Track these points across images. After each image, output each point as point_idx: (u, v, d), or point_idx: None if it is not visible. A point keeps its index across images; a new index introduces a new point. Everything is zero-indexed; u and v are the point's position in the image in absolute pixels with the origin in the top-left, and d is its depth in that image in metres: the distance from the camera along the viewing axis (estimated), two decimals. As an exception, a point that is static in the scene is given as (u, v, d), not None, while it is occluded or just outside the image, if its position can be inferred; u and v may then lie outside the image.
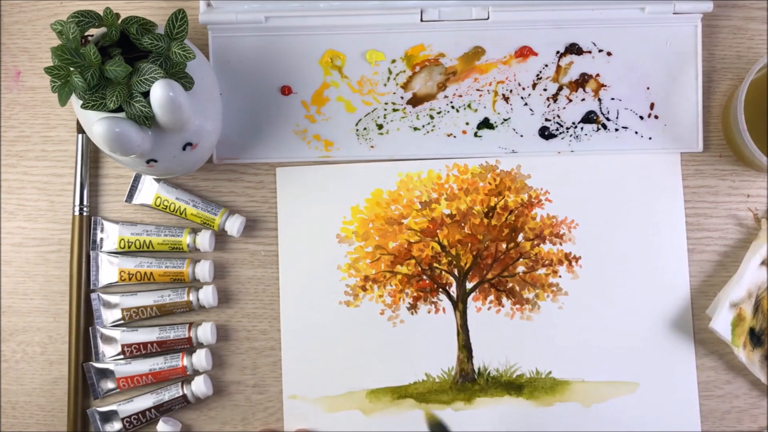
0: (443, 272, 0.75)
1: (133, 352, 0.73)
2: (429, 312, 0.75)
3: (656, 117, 0.75)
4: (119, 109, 0.61)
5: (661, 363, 0.74)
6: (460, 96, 0.75)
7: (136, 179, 0.76)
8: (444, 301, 0.75)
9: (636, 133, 0.75)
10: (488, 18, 0.74)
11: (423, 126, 0.75)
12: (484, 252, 0.75)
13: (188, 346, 0.74)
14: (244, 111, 0.75)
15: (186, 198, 0.75)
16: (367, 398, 0.74)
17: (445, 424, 0.73)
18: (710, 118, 0.76)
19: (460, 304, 0.75)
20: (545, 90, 0.75)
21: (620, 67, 0.75)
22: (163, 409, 0.73)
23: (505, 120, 0.75)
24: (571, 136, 0.75)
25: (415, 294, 0.75)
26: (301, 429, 0.74)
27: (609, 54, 0.75)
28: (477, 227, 0.75)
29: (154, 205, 0.75)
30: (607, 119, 0.75)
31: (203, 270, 0.74)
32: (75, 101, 0.63)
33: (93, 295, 0.75)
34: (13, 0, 0.78)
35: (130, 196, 0.76)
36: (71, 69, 0.61)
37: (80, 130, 0.76)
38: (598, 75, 0.75)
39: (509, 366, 0.74)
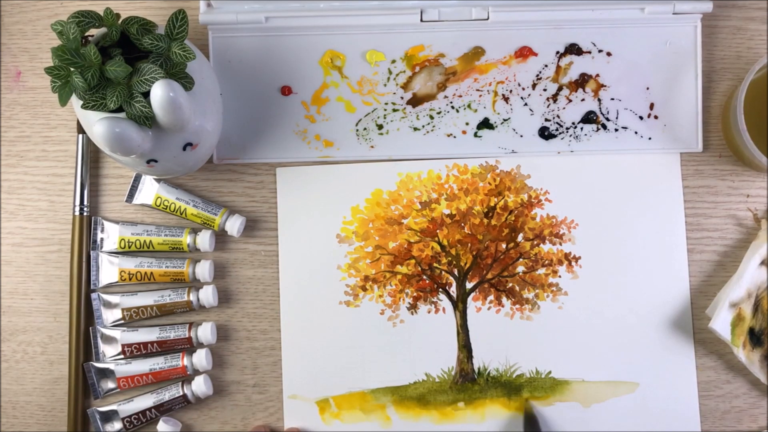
0: (443, 272, 0.75)
1: (134, 351, 0.73)
2: (429, 312, 0.75)
3: (656, 117, 0.75)
4: (119, 109, 0.61)
5: (661, 363, 0.74)
6: (460, 96, 0.75)
7: (137, 179, 0.76)
8: (444, 301, 0.75)
9: (636, 133, 0.75)
10: (488, 18, 0.74)
11: (423, 126, 0.76)
12: (484, 252, 0.75)
13: (188, 346, 0.74)
14: (244, 111, 0.75)
15: (186, 198, 0.75)
16: (367, 398, 0.74)
17: (537, 418, 0.73)
18: (710, 118, 0.76)
19: (460, 304, 0.75)
20: (545, 90, 0.75)
21: (620, 67, 0.75)
22: (163, 409, 0.73)
23: (504, 120, 0.75)
24: (570, 136, 0.75)
25: (415, 294, 0.75)
26: (293, 428, 0.74)
27: (609, 54, 0.75)
28: (477, 227, 0.75)
29: (154, 205, 0.75)
30: (607, 119, 0.75)
31: (203, 270, 0.74)
32: (75, 101, 0.63)
33: (93, 295, 0.75)
34: (14, 0, 0.78)
35: (131, 196, 0.76)
36: (71, 69, 0.61)
37: (80, 130, 0.76)
38: (597, 75, 0.75)
39: (509, 366, 0.74)
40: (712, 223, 0.75)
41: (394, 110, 0.76)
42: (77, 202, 0.75)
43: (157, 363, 0.73)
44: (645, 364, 0.74)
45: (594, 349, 0.74)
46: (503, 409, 0.74)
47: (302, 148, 0.76)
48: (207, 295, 0.74)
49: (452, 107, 0.75)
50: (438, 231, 0.75)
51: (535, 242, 0.75)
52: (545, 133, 0.75)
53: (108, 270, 0.75)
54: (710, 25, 0.76)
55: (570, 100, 0.75)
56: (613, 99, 0.75)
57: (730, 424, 0.73)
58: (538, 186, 0.75)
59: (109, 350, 0.74)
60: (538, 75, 0.75)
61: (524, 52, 0.75)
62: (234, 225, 0.74)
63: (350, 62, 0.75)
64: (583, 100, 0.75)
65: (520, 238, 0.75)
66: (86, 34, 0.63)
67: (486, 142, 0.75)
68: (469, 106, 0.75)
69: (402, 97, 0.76)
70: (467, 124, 0.76)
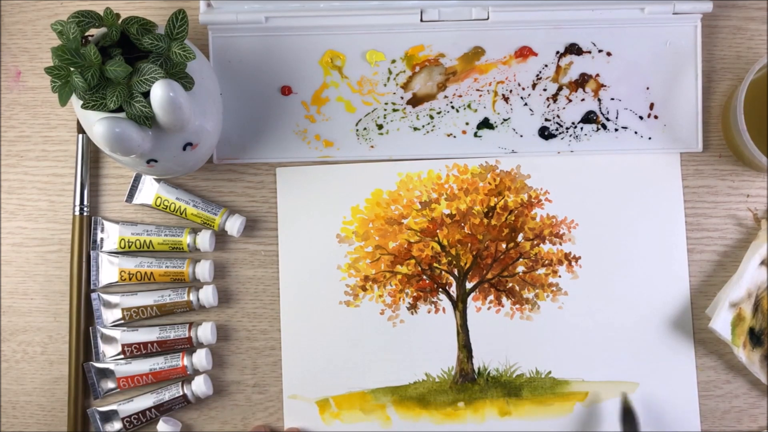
0: (443, 272, 0.75)
1: (134, 351, 0.73)
2: (429, 312, 0.75)
3: (656, 117, 0.75)
4: (119, 109, 0.61)
5: (661, 363, 0.74)
6: (460, 96, 0.75)
7: (137, 179, 0.76)
8: (444, 301, 0.75)
9: (636, 133, 0.75)
10: (488, 18, 0.74)
11: (423, 126, 0.76)
12: (484, 252, 0.75)
13: (188, 346, 0.74)
14: (244, 111, 0.75)
15: (186, 198, 0.75)
16: (367, 398, 0.74)
17: (634, 411, 0.73)
18: (710, 118, 0.76)
19: (460, 304, 0.75)
20: (545, 90, 0.75)
21: (620, 67, 0.75)
22: (163, 409, 0.73)
23: (504, 120, 0.75)
24: (570, 136, 0.75)
25: (415, 294, 0.75)
26: (293, 428, 0.74)
27: (609, 54, 0.75)
28: (477, 227, 0.75)
29: (154, 205, 0.75)
30: (607, 119, 0.75)
31: (203, 270, 0.74)
32: (75, 101, 0.63)
33: (93, 295, 0.75)
34: (13, 0, 0.78)
35: (131, 196, 0.76)
36: (71, 69, 0.61)
37: (80, 130, 0.76)
38: (597, 75, 0.75)
39: (509, 366, 0.74)
40: (712, 223, 0.75)
41: (394, 110, 0.76)
42: (77, 202, 0.75)
43: (157, 363, 0.73)
44: (645, 364, 0.74)
45: (594, 349, 0.74)
46: (503, 410, 0.74)
47: (302, 148, 0.76)
48: (207, 295, 0.74)
49: (452, 107, 0.75)
50: (438, 231, 0.75)
51: (535, 242, 0.75)
52: (545, 133, 0.75)
53: (108, 270, 0.75)
54: (710, 25, 0.76)
55: (570, 100, 0.75)
56: (613, 99, 0.75)
57: (730, 424, 0.73)
58: (538, 186, 0.75)
59: (109, 350, 0.74)
60: (538, 75, 0.75)
61: (524, 52, 0.75)
62: (234, 225, 0.74)
63: (350, 62, 0.75)
64: (583, 100, 0.75)
65: (520, 238, 0.75)
66: (86, 34, 0.63)
67: (486, 142, 0.75)
68: (469, 106, 0.75)
69: (402, 97, 0.76)
70: (467, 124, 0.76)
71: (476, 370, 0.74)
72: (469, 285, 0.75)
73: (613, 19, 0.74)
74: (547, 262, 0.75)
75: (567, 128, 0.75)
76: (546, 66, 0.75)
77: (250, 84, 0.75)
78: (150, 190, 0.75)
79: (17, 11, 0.78)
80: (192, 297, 0.74)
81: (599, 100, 0.75)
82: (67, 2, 0.77)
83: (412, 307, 0.75)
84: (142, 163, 0.65)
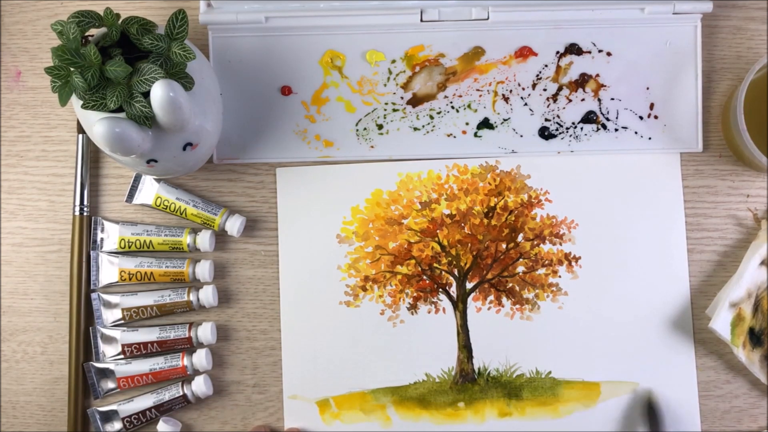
0: (443, 272, 0.75)
1: (134, 351, 0.73)
2: (429, 312, 0.75)
3: (656, 117, 0.75)
4: (119, 109, 0.61)
5: (661, 363, 0.74)
6: (460, 96, 0.75)
7: (137, 179, 0.76)
8: (444, 301, 0.75)
9: (636, 133, 0.75)
10: (488, 18, 0.74)
11: (423, 126, 0.76)
12: (484, 252, 0.75)
13: (188, 346, 0.74)
14: (244, 111, 0.75)
15: (186, 198, 0.75)
16: (367, 398, 0.74)
17: (658, 408, 0.72)
18: (710, 118, 0.76)
19: (460, 304, 0.75)
20: (545, 90, 0.75)
21: (620, 67, 0.75)
22: (163, 409, 0.73)
23: (504, 120, 0.75)
24: (570, 136, 0.75)
25: (415, 294, 0.75)
26: (293, 428, 0.74)
27: (609, 54, 0.75)
28: (477, 227, 0.75)
29: (154, 205, 0.75)
30: (607, 119, 0.75)
31: (203, 270, 0.74)
32: (75, 101, 0.63)
33: (93, 295, 0.75)
34: (14, 0, 0.78)
35: (131, 196, 0.76)
36: (71, 69, 0.61)
37: (80, 130, 0.76)
38: (597, 75, 0.75)
39: (509, 366, 0.74)
40: (712, 223, 0.75)
41: (394, 110, 0.76)
42: (77, 202, 0.75)
43: (157, 363, 0.73)
44: (645, 364, 0.74)
45: (594, 349, 0.74)
46: (503, 410, 0.74)
47: (302, 148, 0.76)
48: (207, 295, 0.74)
49: (452, 107, 0.75)
50: (438, 231, 0.75)
51: (535, 242, 0.75)
52: (545, 133, 0.75)
53: (108, 270, 0.75)
54: (710, 25, 0.76)
55: (570, 100, 0.75)
56: (613, 99, 0.75)
57: (730, 424, 0.73)
58: (538, 186, 0.75)
59: (109, 350, 0.74)
60: (538, 75, 0.75)
61: (524, 52, 0.75)
62: (234, 225, 0.74)
63: (350, 62, 0.75)
64: (583, 100, 0.75)
65: (520, 238, 0.75)
66: (86, 34, 0.63)
67: (486, 142, 0.75)
68: (469, 106, 0.75)
69: (402, 97, 0.76)
70: (467, 124, 0.76)
71: (476, 371, 0.74)
72: (469, 285, 0.75)
73: (613, 19, 0.74)
74: (547, 262, 0.75)
75: (567, 128, 0.75)
76: (546, 66, 0.75)
77: (250, 84, 0.75)
78: (150, 190, 0.75)
79: (17, 11, 0.78)
80: (192, 297, 0.74)
81: (599, 100, 0.75)
82: (67, 2, 0.77)
83: (412, 308, 0.75)
84: (142, 163, 0.65)
